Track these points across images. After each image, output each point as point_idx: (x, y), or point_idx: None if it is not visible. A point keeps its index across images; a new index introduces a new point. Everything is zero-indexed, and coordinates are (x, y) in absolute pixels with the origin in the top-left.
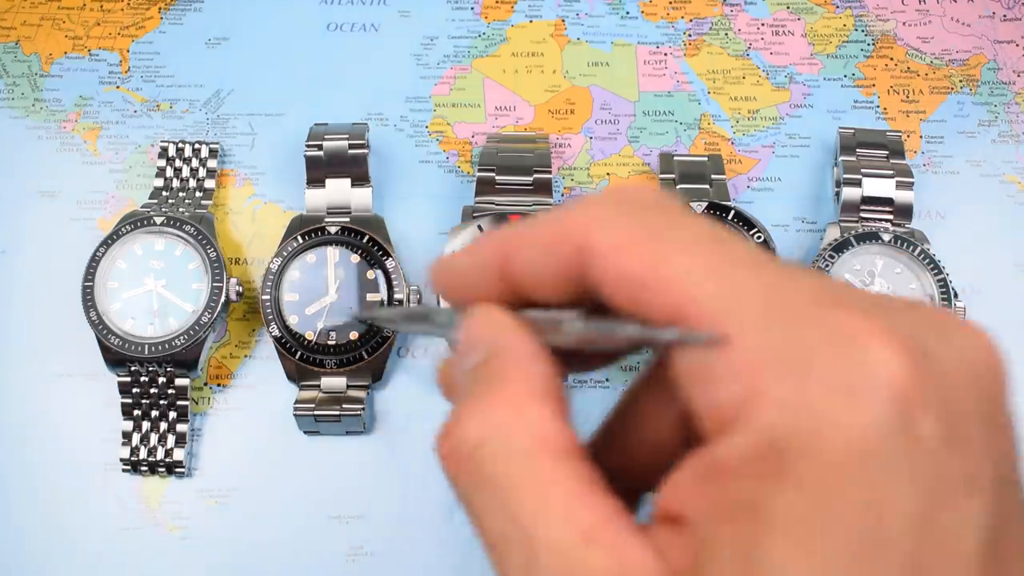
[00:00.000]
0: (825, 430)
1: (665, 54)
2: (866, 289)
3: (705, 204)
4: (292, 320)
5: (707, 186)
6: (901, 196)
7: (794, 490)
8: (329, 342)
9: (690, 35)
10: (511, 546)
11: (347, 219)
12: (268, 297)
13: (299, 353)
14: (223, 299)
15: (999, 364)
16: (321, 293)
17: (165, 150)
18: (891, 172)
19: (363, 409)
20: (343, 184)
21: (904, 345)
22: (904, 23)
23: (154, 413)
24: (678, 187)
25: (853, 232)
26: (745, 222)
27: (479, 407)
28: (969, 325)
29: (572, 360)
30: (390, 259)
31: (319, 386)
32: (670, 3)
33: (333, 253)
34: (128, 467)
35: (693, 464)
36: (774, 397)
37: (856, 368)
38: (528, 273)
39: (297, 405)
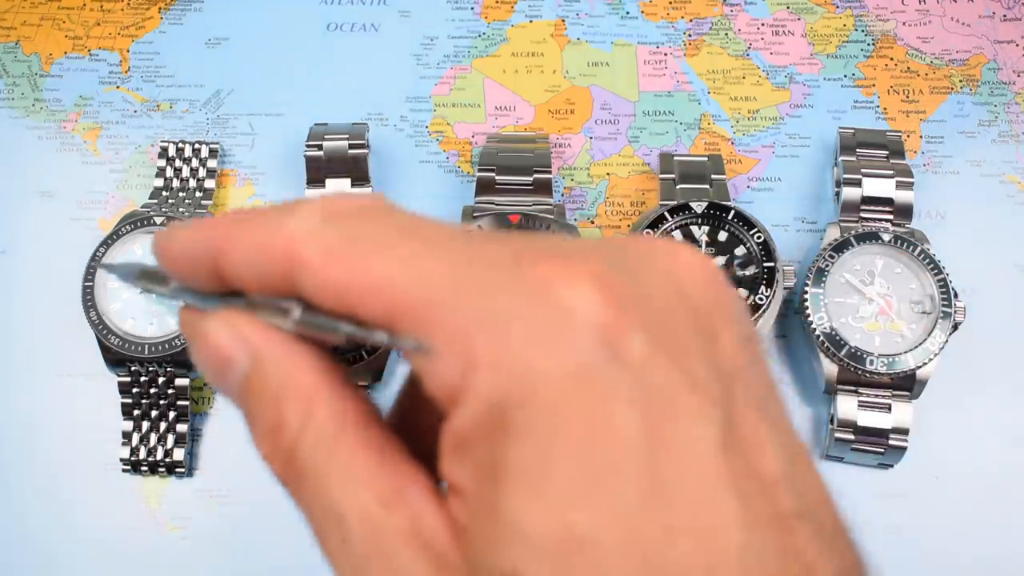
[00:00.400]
0: (535, 379)
1: (665, 54)
2: (565, 239)
3: (705, 204)
4: None
5: (707, 186)
6: (901, 196)
7: (520, 442)
8: None
9: (690, 35)
10: (329, 526)
11: None
12: None
13: None
14: None
15: (707, 273)
16: None
17: (165, 150)
18: (891, 172)
19: None
20: (343, 184)
21: (594, 277)
22: (904, 23)
23: (154, 413)
24: (678, 187)
25: (853, 232)
26: (745, 222)
27: (277, 413)
28: (671, 245)
29: None
30: None
31: None
32: (670, 3)
33: None
34: (128, 467)
35: (444, 439)
36: (484, 362)
37: (549, 312)
38: (240, 275)
39: None
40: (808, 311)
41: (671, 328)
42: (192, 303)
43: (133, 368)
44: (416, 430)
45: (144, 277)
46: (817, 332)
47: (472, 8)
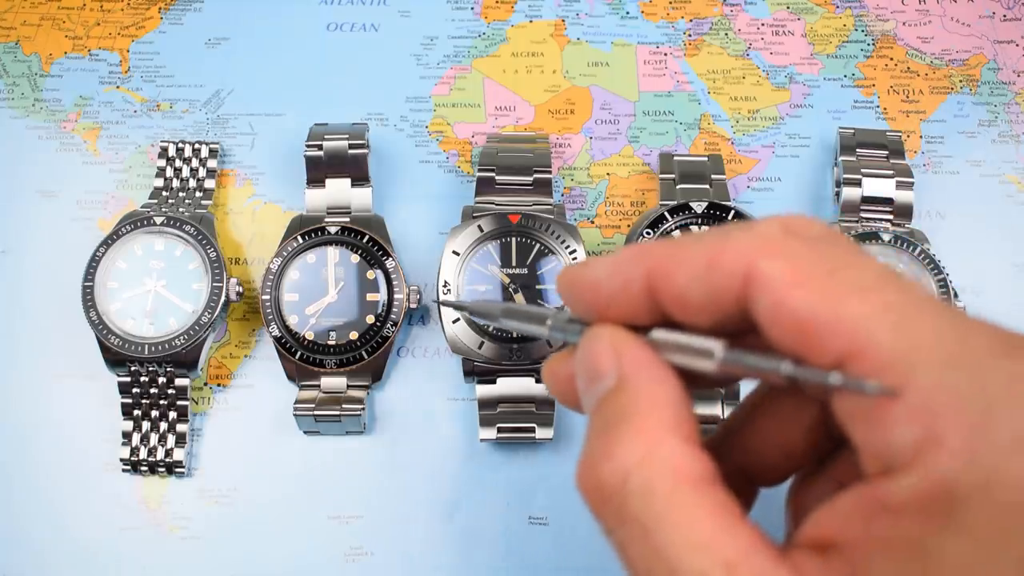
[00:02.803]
0: (1000, 480)
1: (665, 54)
2: None
3: (705, 204)
4: (292, 320)
5: (707, 186)
6: (901, 196)
7: (964, 536)
8: (329, 342)
9: (690, 35)
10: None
11: (347, 219)
12: (268, 297)
13: (299, 353)
14: (223, 299)
15: None
16: (321, 293)
17: (165, 150)
18: (891, 172)
19: (363, 409)
20: (343, 184)
21: None
22: (904, 23)
23: (154, 413)
24: (678, 187)
25: (853, 232)
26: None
27: (616, 443)
28: None
29: (691, 379)
30: (390, 259)
31: (319, 386)
32: (670, 3)
33: (333, 253)
34: (128, 467)
35: (856, 496)
36: (951, 444)
37: None
38: (678, 295)
39: (297, 405)
40: None
41: None
42: (573, 342)
43: (133, 368)
44: (736, 446)
45: (510, 316)
46: None
47: (472, 8)
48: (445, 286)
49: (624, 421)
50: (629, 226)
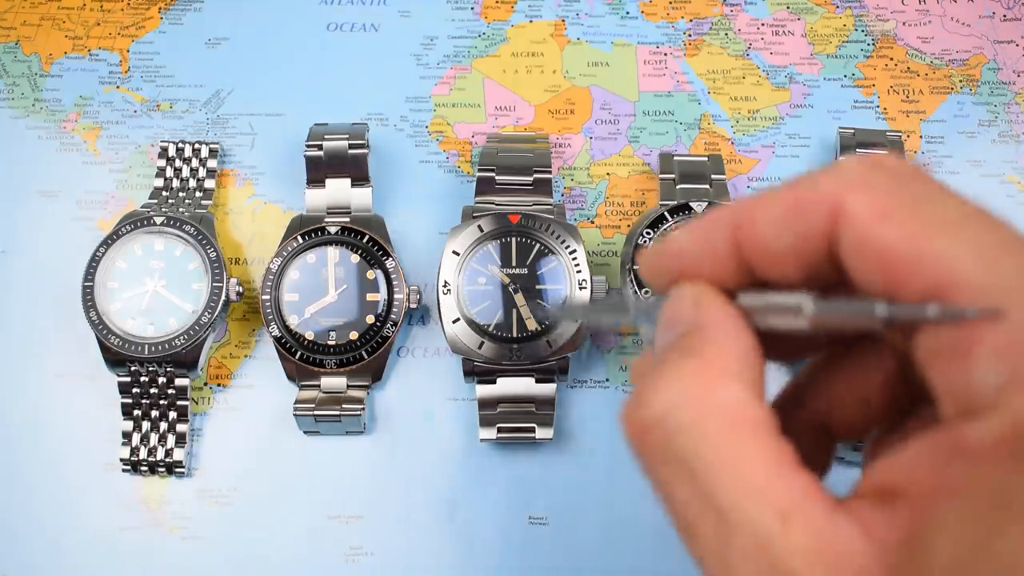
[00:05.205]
0: None
1: (665, 54)
2: None
3: (705, 204)
4: (292, 320)
5: (707, 186)
6: None
7: None
8: (329, 342)
9: (690, 35)
10: (702, 523)
11: (347, 219)
12: (268, 297)
13: (299, 353)
14: (223, 299)
15: None
16: (321, 293)
17: (165, 150)
18: None
19: (363, 409)
20: (343, 184)
21: None
22: (904, 23)
23: (154, 413)
24: (678, 187)
25: None
26: None
27: (668, 377)
28: None
29: (776, 348)
30: (390, 259)
31: (319, 386)
32: (670, 3)
33: (333, 253)
34: (128, 467)
35: (929, 442)
36: None
37: None
38: (765, 243)
39: (297, 405)
40: None
41: None
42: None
43: (133, 368)
44: (813, 397)
45: (594, 310)
46: None
47: (472, 8)
48: (445, 286)
49: (684, 358)
50: (629, 226)
